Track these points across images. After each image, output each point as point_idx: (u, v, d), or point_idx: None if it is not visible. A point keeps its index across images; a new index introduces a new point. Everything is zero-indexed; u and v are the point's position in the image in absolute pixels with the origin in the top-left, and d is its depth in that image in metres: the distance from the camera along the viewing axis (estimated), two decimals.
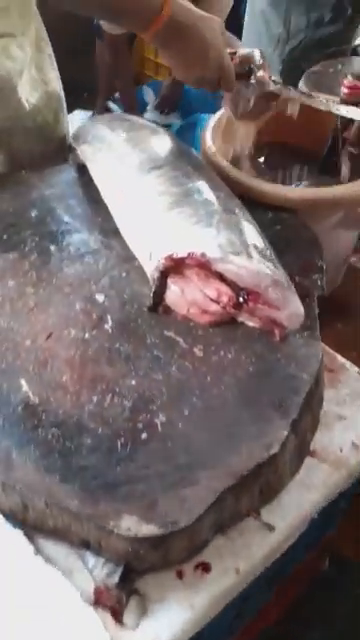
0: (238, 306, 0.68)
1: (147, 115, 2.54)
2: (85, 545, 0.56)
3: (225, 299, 0.68)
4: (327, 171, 1.01)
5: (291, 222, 0.84)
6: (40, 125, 0.98)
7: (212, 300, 0.69)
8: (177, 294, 0.70)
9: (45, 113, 0.98)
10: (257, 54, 0.88)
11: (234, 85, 0.83)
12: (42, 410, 0.61)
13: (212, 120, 0.99)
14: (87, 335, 0.69)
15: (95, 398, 0.62)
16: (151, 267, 0.71)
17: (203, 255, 0.67)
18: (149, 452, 0.57)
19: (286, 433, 0.58)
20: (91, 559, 0.56)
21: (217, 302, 0.69)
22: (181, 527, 0.52)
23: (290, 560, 0.68)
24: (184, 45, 0.77)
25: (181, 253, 0.68)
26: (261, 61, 0.88)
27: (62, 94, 1.02)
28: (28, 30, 0.93)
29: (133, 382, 0.63)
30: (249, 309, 0.68)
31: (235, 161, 0.99)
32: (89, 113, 2.53)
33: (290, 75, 1.55)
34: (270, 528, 0.59)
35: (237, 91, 0.87)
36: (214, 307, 0.69)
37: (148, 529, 0.52)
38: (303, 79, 1.34)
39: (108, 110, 2.62)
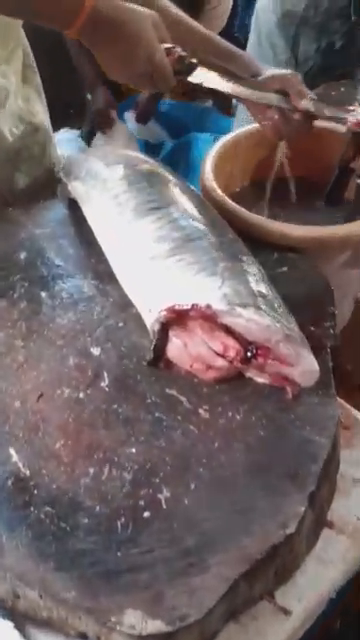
0: (246, 361, 0.65)
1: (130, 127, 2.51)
2: (83, 638, 0.52)
3: (232, 353, 0.65)
4: (333, 203, 0.99)
5: (299, 263, 0.81)
6: (25, 159, 0.95)
7: (218, 354, 0.65)
8: (180, 348, 0.67)
9: (30, 146, 0.95)
10: (296, 80, 0.88)
11: (171, 82, 0.79)
12: (33, 485, 0.57)
13: (212, 150, 0.96)
14: (82, 395, 0.65)
15: (92, 470, 0.58)
16: (151, 319, 0.68)
17: (208, 307, 0.64)
18: (153, 534, 0.53)
19: (303, 509, 0.55)
20: None
21: (223, 356, 0.65)
22: (191, 622, 0.48)
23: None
24: (112, 40, 0.74)
25: (184, 305, 0.65)
26: (300, 87, 0.86)
27: (49, 127, 0.99)
28: (13, 58, 0.90)
29: (133, 450, 0.60)
30: (258, 365, 0.65)
31: (236, 194, 0.97)
32: (76, 132, 2.51)
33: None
34: (286, 612, 0.55)
35: (281, 118, 0.87)
36: (220, 362, 0.65)
37: (154, 626, 0.48)
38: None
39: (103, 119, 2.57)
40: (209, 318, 0.64)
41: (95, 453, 0.59)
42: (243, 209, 0.85)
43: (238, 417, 0.62)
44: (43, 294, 0.76)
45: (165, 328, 0.67)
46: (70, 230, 0.87)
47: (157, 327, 0.67)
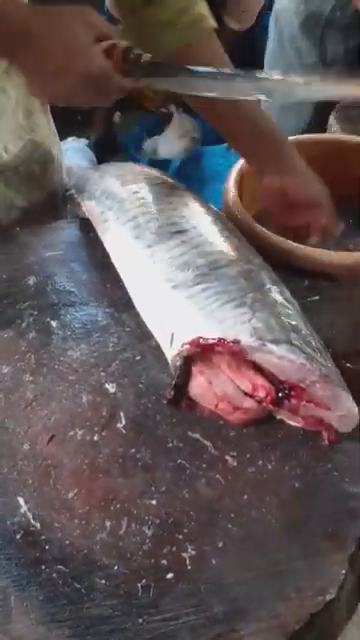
0: (278, 402, 0.64)
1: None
2: None
3: (262, 394, 0.63)
4: None
5: (332, 292, 0.80)
6: (23, 177, 0.95)
7: (246, 394, 0.64)
8: (204, 386, 0.65)
9: (30, 164, 0.95)
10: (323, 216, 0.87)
11: (118, 92, 0.71)
12: (44, 539, 0.55)
13: (235, 167, 0.96)
14: (96, 437, 0.63)
15: (108, 524, 0.56)
16: (173, 352, 0.66)
17: (236, 342, 0.62)
18: (177, 598, 0.51)
19: (344, 572, 0.53)
20: None
21: (252, 397, 0.64)
22: None
23: None
24: (35, 58, 0.67)
25: (210, 338, 0.63)
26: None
27: (54, 144, 0.99)
28: (13, 70, 0.90)
29: (154, 502, 0.58)
30: (291, 407, 0.63)
31: (262, 216, 0.96)
32: (84, 141, 2.52)
33: (325, 109, 1.52)
34: None
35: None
36: (248, 402, 0.64)
37: None
38: (333, 114, 1.32)
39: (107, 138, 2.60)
40: (237, 354, 0.63)
41: (112, 504, 0.58)
42: (270, 233, 0.84)
43: (269, 466, 0.61)
44: (54, 323, 0.75)
45: (188, 363, 0.66)
46: (83, 253, 0.86)
47: (179, 362, 0.65)
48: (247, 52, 1.74)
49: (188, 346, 0.65)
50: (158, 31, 0.82)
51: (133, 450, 0.62)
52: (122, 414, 0.66)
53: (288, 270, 0.82)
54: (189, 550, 0.54)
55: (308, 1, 1.48)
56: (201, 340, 0.64)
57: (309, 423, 0.63)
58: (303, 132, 1.52)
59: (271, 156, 0.87)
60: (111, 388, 0.68)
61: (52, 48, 0.67)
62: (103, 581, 0.53)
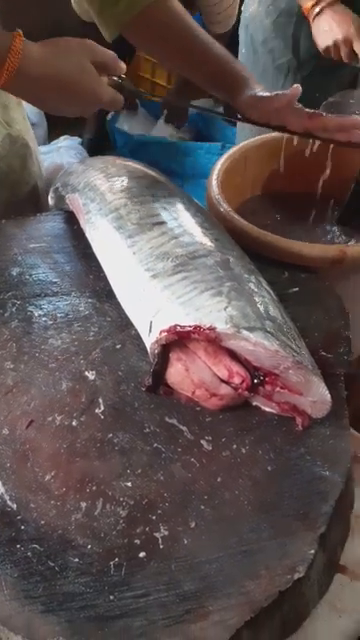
0: (253, 389, 0.65)
1: (157, 129, 2.57)
2: None
3: (237, 380, 0.64)
4: (348, 221, 0.99)
5: (311, 284, 0.81)
6: (4, 172, 0.96)
7: (222, 381, 0.65)
8: (181, 373, 0.67)
9: (9, 158, 0.96)
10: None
11: (120, 105, 0.78)
12: (20, 519, 0.56)
13: (219, 162, 0.97)
14: (75, 422, 0.65)
15: (84, 505, 0.57)
16: (151, 340, 0.68)
17: (212, 329, 0.64)
18: (148, 576, 0.53)
19: (313, 551, 0.54)
20: None
21: (228, 383, 0.65)
22: None
23: None
24: (45, 95, 0.73)
25: (186, 326, 0.65)
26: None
27: (31, 138, 1.00)
28: None
29: (129, 483, 0.59)
30: (266, 393, 0.65)
31: (245, 208, 0.97)
32: (77, 139, 2.53)
33: (305, 106, 1.54)
34: None
35: None
36: (225, 389, 0.65)
37: None
38: (322, 110, 1.33)
39: (99, 137, 2.62)
40: (213, 341, 0.64)
41: (88, 486, 0.59)
42: (251, 225, 0.86)
43: (243, 450, 0.62)
44: (36, 313, 0.77)
45: (166, 351, 0.67)
46: (67, 245, 0.87)
47: (157, 349, 0.67)
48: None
49: (166, 334, 0.66)
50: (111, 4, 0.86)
51: (110, 435, 0.64)
52: (101, 400, 0.67)
53: (268, 262, 0.83)
54: (162, 530, 0.56)
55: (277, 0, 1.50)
56: (178, 327, 0.65)
57: (283, 409, 0.65)
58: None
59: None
60: (91, 375, 0.69)
61: (61, 88, 0.72)
62: (76, 559, 0.54)
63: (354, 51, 1.34)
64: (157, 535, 0.55)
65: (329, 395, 0.63)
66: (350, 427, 0.66)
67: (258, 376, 0.65)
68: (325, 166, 0.99)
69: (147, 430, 0.64)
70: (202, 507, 0.57)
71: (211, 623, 0.50)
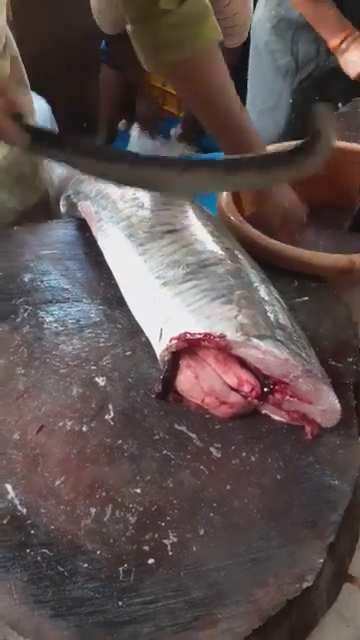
0: (262, 397, 0.65)
1: (169, 147, 2.59)
2: None
3: (247, 388, 0.65)
4: (358, 229, 0.99)
5: (321, 293, 0.82)
6: (15, 178, 0.96)
7: (232, 389, 0.65)
8: (191, 380, 0.67)
9: (20, 165, 0.97)
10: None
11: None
12: (30, 524, 0.57)
13: None
14: (85, 428, 0.65)
15: (93, 510, 0.58)
16: (161, 347, 0.68)
17: (222, 337, 0.64)
18: (157, 582, 0.53)
19: (322, 560, 0.54)
20: None
21: (237, 391, 0.65)
22: None
23: None
24: None
25: (197, 333, 0.65)
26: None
27: None
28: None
29: (138, 490, 0.59)
30: (275, 401, 0.65)
31: (255, 217, 0.97)
32: None
33: (302, 108, 1.55)
34: None
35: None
36: (234, 397, 0.65)
37: None
38: None
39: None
40: (223, 349, 0.65)
41: (97, 492, 0.59)
42: (262, 234, 0.86)
43: (253, 458, 0.62)
44: (47, 319, 0.77)
45: (176, 358, 0.67)
46: (78, 251, 0.88)
47: (167, 357, 0.67)
48: (242, 67, 1.77)
49: (176, 341, 0.66)
50: (161, 42, 0.86)
51: (120, 441, 0.64)
52: (111, 406, 0.67)
53: (278, 271, 0.84)
54: (171, 537, 0.56)
55: (279, 6, 1.54)
56: (188, 335, 0.65)
57: (293, 417, 0.65)
58: (280, 135, 1.55)
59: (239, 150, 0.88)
60: (101, 381, 0.70)
61: None
62: (86, 565, 0.54)
63: None
64: (166, 542, 0.55)
65: (339, 404, 0.63)
66: (359, 436, 0.66)
67: (268, 384, 0.65)
68: (333, 175, 1.00)
69: (156, 437, 0.64)
70: (211, 514, 0.57)
71: (219, 631, 0.50)
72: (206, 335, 0.65)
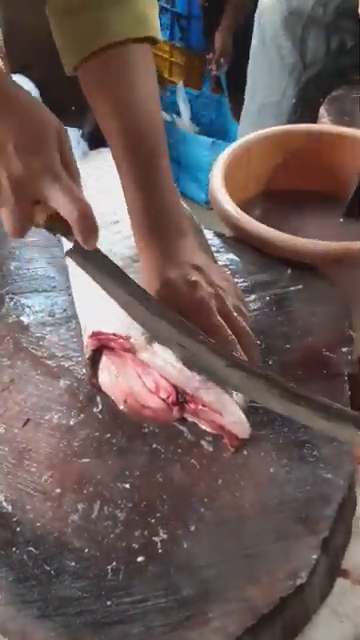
0: (180, 405, 0.62)
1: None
2: None
3: (164, 395, 0.62)
4: (353, 217, 0.98)
5: (314, 281, 0.80)
6: None
7: (151, 392, 0.63)
8: (112, 379, 0.65)
9: None
10: None
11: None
12: (16, 521, 0.55)
13: (222, 157, 0.96)
14: (72, 422, 0.64)
15: (81, 507, 0.56)
16: (84, 344, 0.68)
17: (127, 338, 0.63)
18: (147, 581, 0.52)
19: (316, 556, 0.53)
20: None
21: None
22: None
23: None
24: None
25: (106, 333, 0.64)
26: None
27: None
28: None
29: (127, 485, 0.58)
30: (192, 410, 0.62)
31: (248, 204, 0.96)
32: (78, 131, 2.51)
33: (305, 108, 1.52)
34: None
35: None
36: (153, 401, 0.63)
37: None
38: (324, 105, 1.32)
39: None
40: (128, 351, 0.63)
41: (85, 487, 0.58)
42: (255, 221, 0.84)
43: (245, 452, 0.61)
44: (33, 308, 0.76)
45: (98, 356, 0.66)
46: None
47: (88, 354, 0.66)
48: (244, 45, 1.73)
49: (90, 339, 0.66)
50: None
51: (109, 435, 0.63)
52: (99, 399, 0.66)
53: (271, 259, 0.82)
54: (161, 534, 0.55)
55: None
56: (100, 334, 0.65)
57: (212, 427, 0.62)
58: None
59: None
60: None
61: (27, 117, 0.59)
62: (73, 563, 0.53)
63: None
64: (156, 539, 0.54)
65: (244, 417, 0.60)
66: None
67: (181, 393, 0.62)
68: (328, 161, 0.99)
69: (146, 430, 0.63)
70: (202, 510, 0.56)
71: (211, 630, 0.49)
72: (113, 335, 0.63)
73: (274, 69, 1.51)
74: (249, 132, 1.05)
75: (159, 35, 0.73)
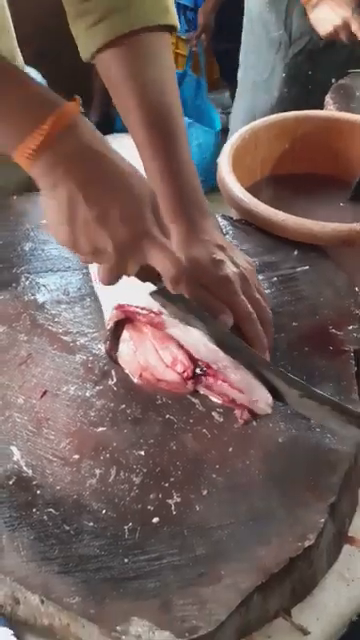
0: (195, 379, 0.65)
1: None
2: None
3: (180, 369, 0.65)
4: (358, 198, 1.00)
5: (321, 262, 0.82)
6: None
7: (167, 366, 0.66)
8: (129, 353, 0.68)
9: None
10: None
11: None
12: (36, 484, 0.58)
13: (229, 142, 0.98)
14: (88, 393, 0.66)
15: (98, 471, 0.59)
16: (107, 317, 0.70)
17: (158, 313, 0.65)
18: (161, 540, 0.54)
19: (323, 520, 0.55)
20: None
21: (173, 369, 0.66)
22: (201, 635, 0.49)
23: None
24: (94, 178, 0.58)
25: (134, 306, 0.66)
26: None
27: None
28: None
29: (142, 452, 0.61)
30: (207, 384, 0.65)
31: (256, 188, 0.98)
32: None
33: (295, 82, 1.55)
34: (304, 632, 0.56)
35: None
36: (170, 375, 0.65)
37: (162, 637, 0.49)
38: (331, 93, 1.34)
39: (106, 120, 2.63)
40: (157, 325, 0.66)
41: (102, 454, 0.60)
42: (263, 204, 0.86)
43: (254, 422, 0.63)
44: (49, 287, 0.78)
45: (119, 329, 0.68)
46: None
47: (110, 325, 0.68)
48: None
49: (115, 311, 0.68)
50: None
51: (123, 405, 0.65)
52: (114, 372, 0.68)
53: (278, 241, 0.84)
54: (175, 497, 0.57)
55: None
56: (126, 306, 0.67)
57: (225, 401, 0.65)
58: (272, 107, 1.55)
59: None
60: (104, 348, 0.71)
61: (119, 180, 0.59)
62: (91, 524, 0.55)
63: (353, 33, 1.38)
64: (170, 502, 0.57)
65: (270, 397, 0.63)
66: None
67: (201, 367, 0.65)
68: (335, 146, 1.01)
69: (159, 402, 0.65)
70: (214, 476, 0.59)
71: (223, 586, 0.51)
72: (143, 309, 0.66)
73: (262, 46, 1.54)
74: (243, 111, 1.07)
75: (178, 24, 0.78)
